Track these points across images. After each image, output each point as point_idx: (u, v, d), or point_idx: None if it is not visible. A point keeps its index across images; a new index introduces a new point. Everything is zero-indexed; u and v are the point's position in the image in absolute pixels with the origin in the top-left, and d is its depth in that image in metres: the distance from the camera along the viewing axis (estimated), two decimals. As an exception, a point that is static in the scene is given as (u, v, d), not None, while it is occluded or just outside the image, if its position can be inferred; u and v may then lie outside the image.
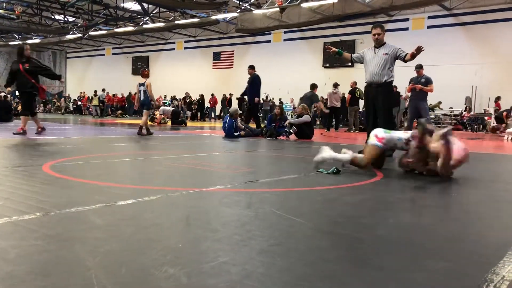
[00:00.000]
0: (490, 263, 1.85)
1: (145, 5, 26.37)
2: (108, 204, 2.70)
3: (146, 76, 10.47)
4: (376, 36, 6.48)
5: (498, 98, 19.49)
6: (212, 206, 2.85)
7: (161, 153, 6.26)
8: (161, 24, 27.91)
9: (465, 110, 21.45)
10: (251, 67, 12.10)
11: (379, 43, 6.53)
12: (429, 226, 2.53)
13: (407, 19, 24.80)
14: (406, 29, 24.90)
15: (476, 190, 3.82)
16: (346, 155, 4.55)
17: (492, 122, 18.70)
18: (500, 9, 22.06)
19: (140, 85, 10.37)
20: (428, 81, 10.44)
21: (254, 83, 11.96)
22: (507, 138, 12.86)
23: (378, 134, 4.52)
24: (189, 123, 19.84)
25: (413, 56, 6.23)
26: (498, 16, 22.14)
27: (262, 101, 21.46)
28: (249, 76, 12.12)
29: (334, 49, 6.73)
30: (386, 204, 3.16)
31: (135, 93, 10.83)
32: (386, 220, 2.61)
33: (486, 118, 19.83)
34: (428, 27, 24.26)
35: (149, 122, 10.71)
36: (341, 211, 2.82)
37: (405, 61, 6.54)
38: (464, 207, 3.22)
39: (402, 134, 4.51)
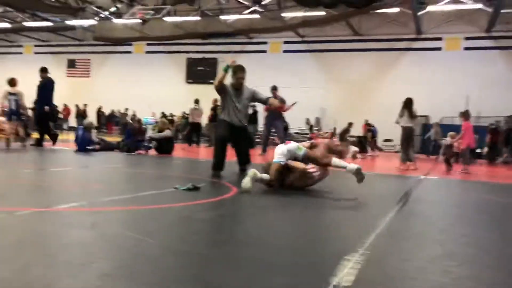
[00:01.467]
0: (327, 272, 2.00)
1: (-13, 2, 23.54)
2: None
3: (15, 84, 9.55)
4: (241, 80, 6.07)
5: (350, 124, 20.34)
6: (52, 227, 2.60)
7: (-2, 168, 5.58)
8: (7, 25, 25.18)
9: (315, 130, 23.40)
10: (43, 70, 10.77)
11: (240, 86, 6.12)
12: (274, 241, 2.65)
13: (266, 43, 26.31)
14: (265, 51, 26.39)
15: (323, 204, 4.15)
16: (265, 175, 4.62)
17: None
18: (345, 40, 24.77)
19: (10, 94, 9.69)
20: (282, 102, 11.15)
21: (46, 88, 10.57)
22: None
23: (284, 151, 4.71)
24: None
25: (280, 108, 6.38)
26: (343, 46, 24.80)
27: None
28: (40, 80, 10.71)
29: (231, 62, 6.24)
30: (237, 220, 3.24)
31: None
32: (235, 236, 2.67)
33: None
34: (284, 51, 26.08)
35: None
36: (192, 229, 2.81)
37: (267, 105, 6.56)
38: (311, 220, 3.45)
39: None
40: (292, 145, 4.74)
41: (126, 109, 25.40)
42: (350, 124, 17.48)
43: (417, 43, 23.63)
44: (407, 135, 9.91)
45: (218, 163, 5.82)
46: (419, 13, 20.93)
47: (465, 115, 10.06)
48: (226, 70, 6.03)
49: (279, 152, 4.69)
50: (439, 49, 23.22)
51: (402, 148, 10.08)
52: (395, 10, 19.44)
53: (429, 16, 22.60)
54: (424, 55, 23.36)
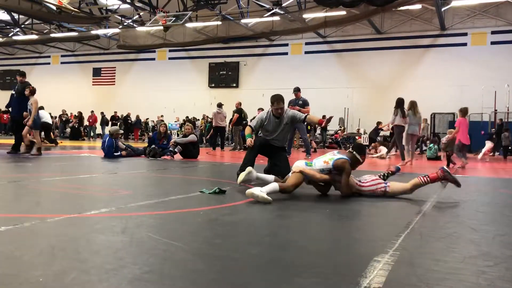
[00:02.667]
0: (356, 274, 1.98)
1: (16, 15, 24.29)
2: (-44, 237, 2.36)
3: (31, 93, 9.50)
4: (280, 111, 5.89)
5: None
6: (82, 233, 2.65)
7: (29, 176, 5.72)
8: (35, 37, 25.92)
9: (339, 130, 23.22)
10: (22, 74, 10.09)
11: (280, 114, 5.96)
12: (301, 242, 2.64)
13: (287, 44, 26.28)
14: (286, 53, 26.36)
15: (348, 206, 4.11)
16: (272, 182, 4.43)
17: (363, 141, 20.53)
18: (367, 39, 24.52)
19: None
20: (305, 103, 11.11)
21: (25, 94, 9.61)
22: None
23: (304, 169, 4.44)
24: (68, 143, 18.50)
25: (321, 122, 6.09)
26: (365, 45, 24.57)
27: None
28: (18, 85, 9.95)
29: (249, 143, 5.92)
30: (263, 222, 3.24)
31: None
32: (262, 239, 2.67)
33: (357, 137, 21.65)
34: (306, 52, 25.99)
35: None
36: (220, 232, 2.82)
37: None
38: (335, 222, 3.42)
39: (323, 165, 4.48)
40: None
41: (161, 115, 25.64)
42: (379, 124, 17.31)
43: (442, 39, 23.20)
44: (399, 133, 10.48)
45: (246, 165, 5.75)
46: (443, 9, 20.56)
47: (462, 111, 10.18)
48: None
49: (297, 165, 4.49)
50: (464, 44, 22.72)
51: (393, 145, 11.06)
52: (418, 6, 19.13)
53: (453, 11, 22.19)
54: (449, 51, 22.90)
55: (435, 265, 2.19)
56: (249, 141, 5.88)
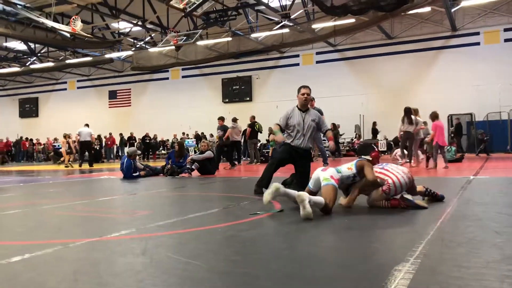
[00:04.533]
0: (378, 284, 1.96)
1: (32, 45, 24.94)
2: (-18, 267, 2.42)
3: None
4: (306, 96, 5.76)
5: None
6: (104, 256, 2.69)
7: (50, 201, 5.81)
8: (51, 64, 26.55)
9: (355, 138, 23.07)
10: None
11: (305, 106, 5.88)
12: (321, 255, 2.63)
13: (298, 55, 26.38)
14: (297, 64, 26.44)
15: (367, 215, 4.07)
16: (305, 196, 3.90)
17: (380, 147, 20.37)
18: (378, 44, 24.46)
19: None
20: (320, 113, 11.06)
21: None
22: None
23: (334, 176, 4.23)
24: (86, 166, 18.76)
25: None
26: (376, 51, 24.50)
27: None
28: None
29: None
30: (282, 237, 3.24)
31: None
32: (281, 253, 2.67)
33: (375, 144, 21.45)
34: (317, 62, 26.03)
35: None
36: (237, 248, 2.83)
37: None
38: (355, 232, 3.39)
39: (349, 172, 4.34)
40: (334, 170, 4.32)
41: (175, 135, 25.99)
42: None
43: (454, 40, 22.99)
44: (407, 138, 11.43)
45: (263, 180, 5.73)
46: (453, 10, 20.42)
47: (432, 116, 10.97)
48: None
49: (336, 178, 4.20)
50: (477, 44, 22.46)
51: (401, 150, 11.90)
52: (427, 9, 19.03)
53: (463, 11, 22.01)
54: (462, 51, 22.67)
55: (457, 271, 2.16)
56: (280, 136, 5.75)
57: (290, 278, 2.13)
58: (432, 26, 23.17)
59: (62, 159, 19.47)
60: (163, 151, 26.91)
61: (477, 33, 22.40)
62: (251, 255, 2.64)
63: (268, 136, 19.69)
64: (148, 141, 26.27)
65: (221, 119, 15.01)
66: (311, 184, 4.42)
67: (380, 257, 2.55)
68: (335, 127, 17.66)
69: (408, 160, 11.67)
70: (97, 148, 25.11)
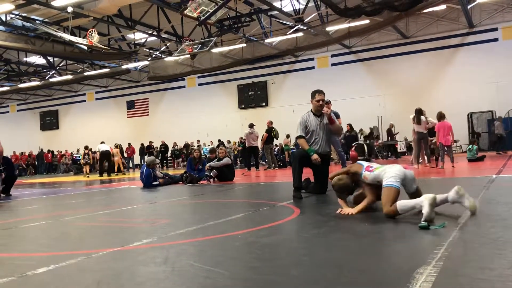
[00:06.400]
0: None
1: (51, 59, 25.47)
2: (8, 279, 2.48)
3: None
4: (321, 102, 5.81)
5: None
6: (126, 266, 2.73)
7: (72, 212, 5.92)
8: (69, 77, 27.07)
9: (373, 138, 22.84)
10: None
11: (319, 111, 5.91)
12: (341, 260, 2.61)
13: (313, 59, 26.33)
14: (313, 68, 26.39)
15: (387, 219, 4.03)
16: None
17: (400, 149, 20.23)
18: (393, 44, 24.26)
19: None
20: (337, 116, 11.04)
21: None
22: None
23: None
24: (106, 176, 19.04)
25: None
26: (392, 51, 24.30)
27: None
28: None
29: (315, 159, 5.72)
30: (301, 242, 3.23)
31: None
32: (301, 258, 2.67)
33: (395, 145, 21.23)
34: (332, 64, 25.94)
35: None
36: (258, 255, 2.83)
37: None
38: (375, 235, 3.37)
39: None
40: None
41: (192, 142, 26.20)
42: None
43: (471, 37, 22.67)
44: (419, 139, 11.48)
45: (295, 182, 5.67)
46: (469, 6, 20.14)
47: (438, 116, 11.21)
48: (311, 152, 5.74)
49: (395, 175, 3.85)
50: (495, 40, 22.10)
51: (415, 153, 11.72)
52: (443, 7, 18.81)
53: (480, 7, 21.70)
54: (480, 48, 22.33)
55: (481, 274, 2.13)
56: (315, 157, 5.62)
57: (311, 284, 2.13)
58: (448, 24, 22.89)
59: (86, 173, 20.19)
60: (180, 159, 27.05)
61: (495, 29, 22.04)
62: (271, 261, 2.64)
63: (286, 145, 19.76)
64: (162, 149, 26.63)
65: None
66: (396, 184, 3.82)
67: (401, 260, 2.53)
68: (352, 128, 17.52)
69: (427, 162, 11.67)
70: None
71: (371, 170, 4.08)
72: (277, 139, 17.33)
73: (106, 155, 19.02)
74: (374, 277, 2.21)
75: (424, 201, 3.45)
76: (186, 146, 25.92)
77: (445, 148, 10.98)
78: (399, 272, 2.24)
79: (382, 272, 2.30)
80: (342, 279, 2.19)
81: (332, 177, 4.29)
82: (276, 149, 19.68)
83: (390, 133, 20.89)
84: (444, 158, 11.03)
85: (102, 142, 19.97)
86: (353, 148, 5.34)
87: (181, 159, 26.33)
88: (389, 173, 3.87)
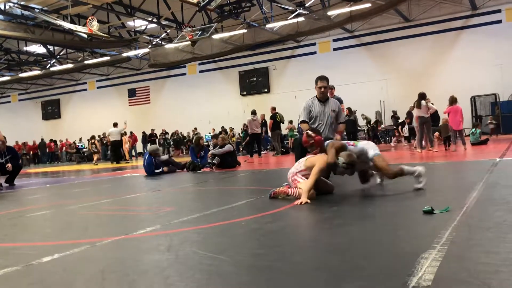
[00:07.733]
0: (404, 272, 1.94)
1: (51, 47, 25.35)
2: (13, 268, 2.48)
3: None
4: (323, 89, 5.77)
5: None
6: (130, 254, 2.73)
7: (76, 201, 5.93)
8: (70, 66, 26.94)
9: (374, 124, 22.76)
10: None
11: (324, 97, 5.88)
12: (345, 246, 2.61)
13: (314, 44, 26.09)
14: (314, 53, 26.17)
15: (390, 203, 4.02)
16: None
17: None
18: (396, 28, 24.02)
19: None
20: (340, 101, 10.96)
21: None
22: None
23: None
24: (110, 164, 19.07)
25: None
26: (394, 35, 24.06)
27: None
28: None
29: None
30: (305, 228, 3.23)
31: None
32: (304, 244, 2.66)
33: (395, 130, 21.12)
34: (334, 49, 25.71)
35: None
36: (262, 241, 2.83)
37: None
38: (379, 220, 3.36)
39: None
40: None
41: (194, 129, 26.20)
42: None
43: (474, 19, 22.36)
44: (421, 123, 11.37)
45: None
46: (471, -12, 19.88)
47: (450, 100, 11.53)
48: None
49: (375, 147, 4.77)
50: (499, 21, 21.82)
51: (418, 138, 11.59)
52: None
53: (483, -12, 21.43)
54: (483, 30, 22.05)
55: (486, 257, 2.12)
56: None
57: (314, 270, 2.12)
58: (451, 6, 22.61)
59: (94, 161, 20.47)
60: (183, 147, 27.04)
61: (499, 11, 21.74)
62: (275, 247, 2.64)
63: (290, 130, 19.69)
64: (165, 137, 26.70)
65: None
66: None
67: (406, 245, 2.52)
68: (350, 112, 17.39)
69: (430, 147, 11.58)
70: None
71: (353, 144, 4.72)
72: (283, 123, 17.36)
73: (116, 144, 19.14)
74: (378, 262, 2.20)
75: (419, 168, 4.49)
76: (173, 134, 26.27)
77: (457, 132, 11.09)
78: (403, 257, 2.24)
79: (386, 257, 2.29)
80: (347, 265, 2.18)
81: (331, 160, 4.34)
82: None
83: (394, 119, 20.59)
84: (456, 141, 11.25)
85: (115, 125, 19.55)
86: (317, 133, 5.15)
87: (183, 147, 26.33)
88: (370, 146, 4.75)
